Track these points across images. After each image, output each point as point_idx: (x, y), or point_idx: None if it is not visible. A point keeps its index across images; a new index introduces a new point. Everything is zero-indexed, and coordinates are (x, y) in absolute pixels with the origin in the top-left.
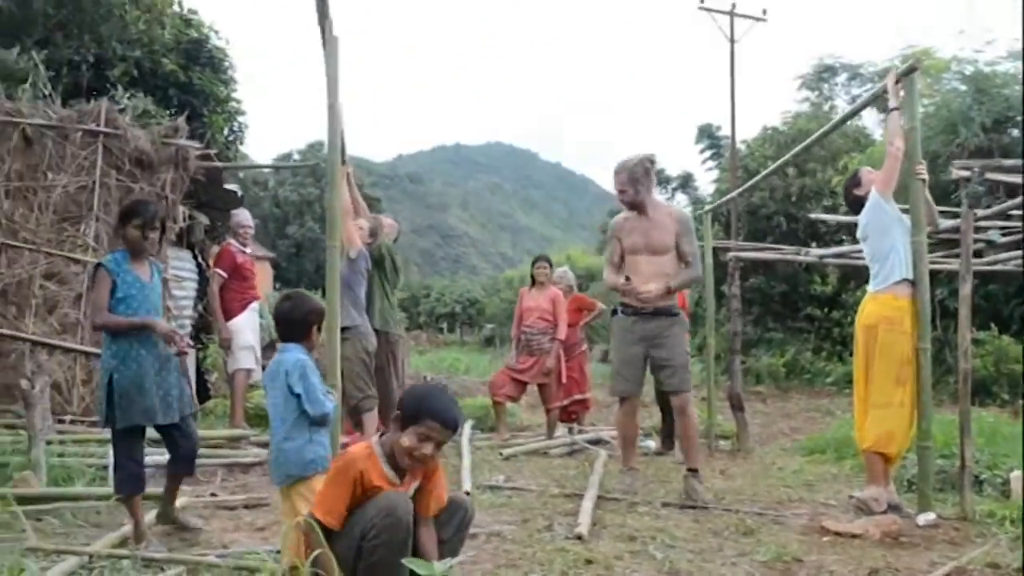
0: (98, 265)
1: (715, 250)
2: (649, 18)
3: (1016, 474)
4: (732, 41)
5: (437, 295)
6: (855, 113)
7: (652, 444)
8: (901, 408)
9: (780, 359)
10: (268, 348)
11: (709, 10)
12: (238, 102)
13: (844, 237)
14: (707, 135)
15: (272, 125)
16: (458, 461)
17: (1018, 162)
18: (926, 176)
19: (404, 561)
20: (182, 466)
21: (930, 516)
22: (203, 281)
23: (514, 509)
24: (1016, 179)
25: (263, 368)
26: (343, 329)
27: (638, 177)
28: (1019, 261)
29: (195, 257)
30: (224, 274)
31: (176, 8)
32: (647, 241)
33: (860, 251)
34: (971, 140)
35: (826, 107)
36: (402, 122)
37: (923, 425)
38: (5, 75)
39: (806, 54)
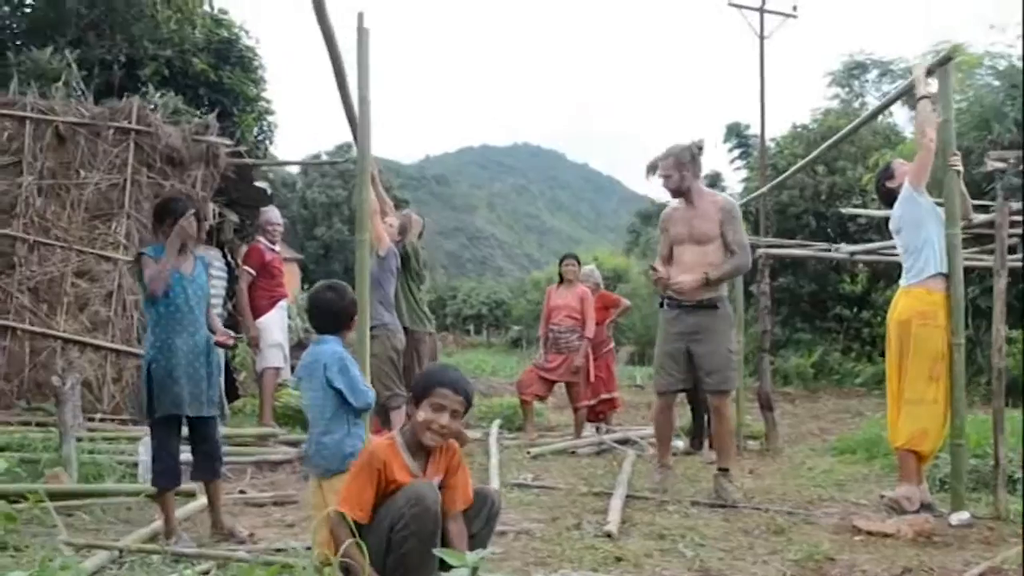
0: (139, 254)
1: None
2: (677, 16)
3: None
4: (762, 38)
5: (464, 297)
6: (884, 108)
7: (681, 444)
8: (935, 405)
9: (809, 359)
10: (296, 348)
11: (739, 6)
12: (268, 101)
13: (874, 236)
14: (735, 134)
15: (301, 126)
16: (485, 460)
17: None
18: (961, 167)
19: (436, 552)
20: (205, 470)
21: (964, 515)
22: (232, 280)
23: (543, 507)
24: None
25: (291, 367)
26: (372, 327)
27: (684, 163)
28: None
29: (224, 256)
30: (252, 272)
31: (207, 8)
32: (690, 231)
33: (892, 248)
34: (1004, 136)
35: (856, 104)
36: (429, 124)
37: (956, 422)
38: (38, 74)
39: (837, 51)
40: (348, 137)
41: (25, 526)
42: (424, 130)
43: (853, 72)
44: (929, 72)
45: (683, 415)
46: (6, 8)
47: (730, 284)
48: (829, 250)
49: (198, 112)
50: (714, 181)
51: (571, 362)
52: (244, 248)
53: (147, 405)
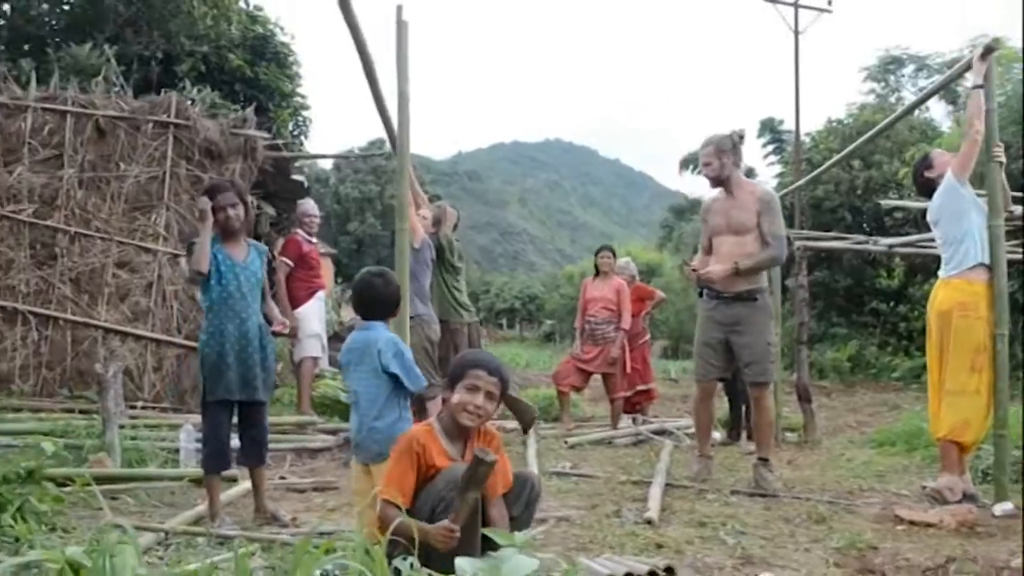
0: (191, 243)
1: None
2: (711, 11)
3: None
4: (796, 33)
5: (496, 291)
6: (921, 102)
7: (718, 435)
8: (977, 396)
9: (844, 353)
10: (332, 339)
11: (773, 1)
12: (303, 97)
13: (911, 231)
14: (769, 129)
15: (333, 122)
16: (522, 449)
17: None
18: (1003, 158)
19: (484, 531)
20: (252, 456)
21: (1007, 506)
22: (269, 273)
23: (582, 495)
24: None
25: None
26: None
27: (725, 150)
28: None
29: None
30: (290, 263)
31: (242, 4)
32: (728, 221)
33: (931, 240)
34: None
35: (892, 99)
36: (461, 120)
37: (999, 413)
38: (78, 70)
39: (872, 45)
40: (380, 133)
41: (72, 508)
42: (456, 126)
43: (889, 67)
44: (984, 55)
45: (719, 407)
46: (45, 5)
47: (768, 277)
48: (867, 243)
49: (234, 107)
50: (747, 176)
51: (607, 353)
52: (280, 241)
53: (202, 388)
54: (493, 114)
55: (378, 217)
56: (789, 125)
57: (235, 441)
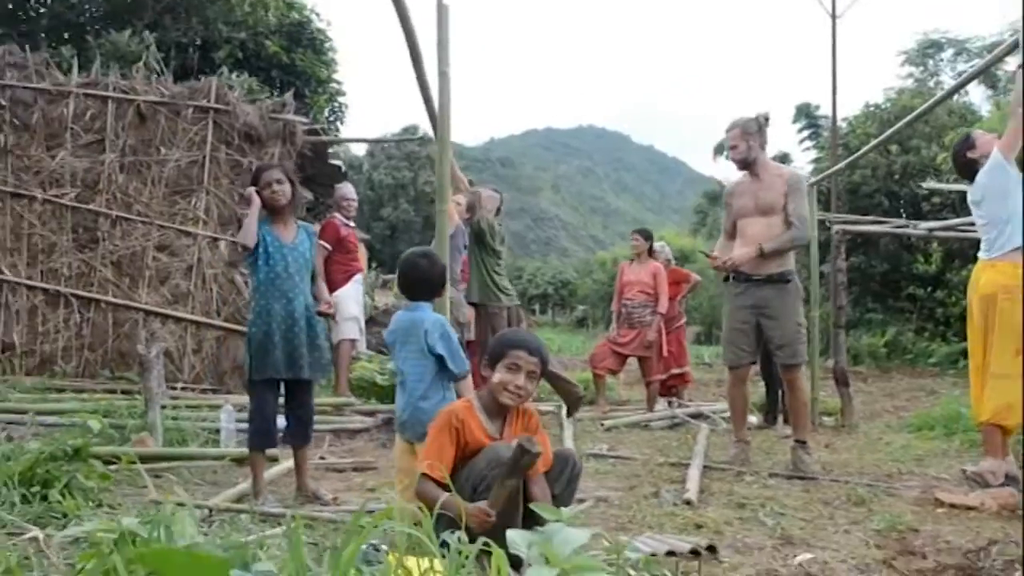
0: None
1: (818, 223)
2: None
3: None
4: (833, 17)
5: (529, 276)
6: (961, 86)
7: (754, 419)
8: (1021, 379)
9: (880, 339)
10: (368, 323)
11: None
12: (339, 83)
13: (949, 215)
14: (805, 114)
15: (367, 109)
16: (559, 432)
17: None
18: None
19: (531, 506)
20: (297, 435)
21: None
22: None
23: (619, 476)
24: None
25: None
26: None
27: (751, 132)
28: None
29: None
30: (328, 246)
31: None
32: (756, 202)
33: (970, 225)
34: None
35: (931, 83)
36: (494, 107)
37: None
38: (118, 56)
39: (910, 29)
40: (413, 120)
41: (117, 486)
42: (489, 113)
43: (927, 51)
44: None
45: (755, 391)
46: None
47: (802, 262)
48: (907, 226)
49: (272, 93)
50: (782, 162)
51: (643, 337)
52: (317, 226)
53: (249, 367)
54: (526, 100)
55: (411, 203)
56: (825, 110)
57: (279, 421)
